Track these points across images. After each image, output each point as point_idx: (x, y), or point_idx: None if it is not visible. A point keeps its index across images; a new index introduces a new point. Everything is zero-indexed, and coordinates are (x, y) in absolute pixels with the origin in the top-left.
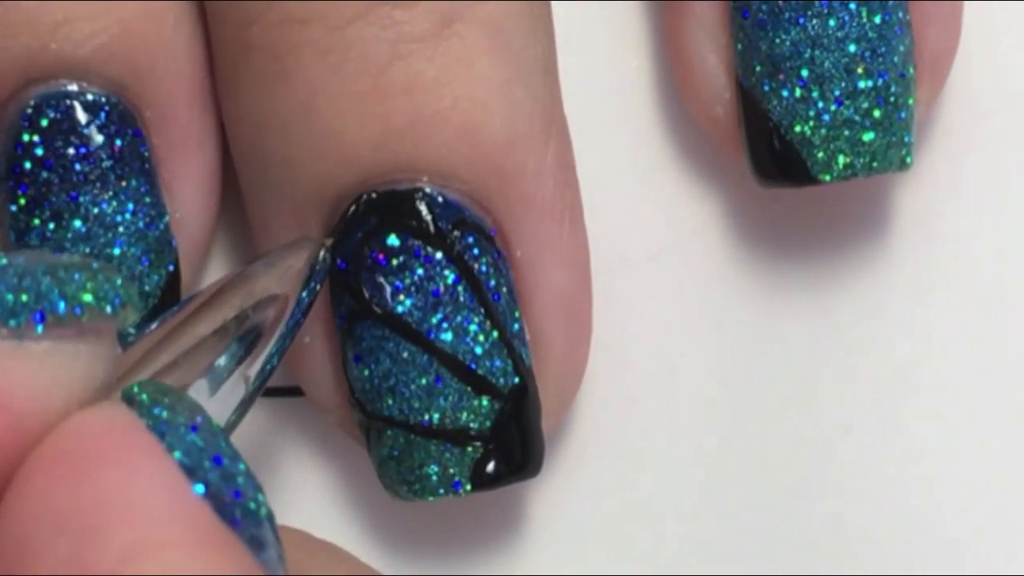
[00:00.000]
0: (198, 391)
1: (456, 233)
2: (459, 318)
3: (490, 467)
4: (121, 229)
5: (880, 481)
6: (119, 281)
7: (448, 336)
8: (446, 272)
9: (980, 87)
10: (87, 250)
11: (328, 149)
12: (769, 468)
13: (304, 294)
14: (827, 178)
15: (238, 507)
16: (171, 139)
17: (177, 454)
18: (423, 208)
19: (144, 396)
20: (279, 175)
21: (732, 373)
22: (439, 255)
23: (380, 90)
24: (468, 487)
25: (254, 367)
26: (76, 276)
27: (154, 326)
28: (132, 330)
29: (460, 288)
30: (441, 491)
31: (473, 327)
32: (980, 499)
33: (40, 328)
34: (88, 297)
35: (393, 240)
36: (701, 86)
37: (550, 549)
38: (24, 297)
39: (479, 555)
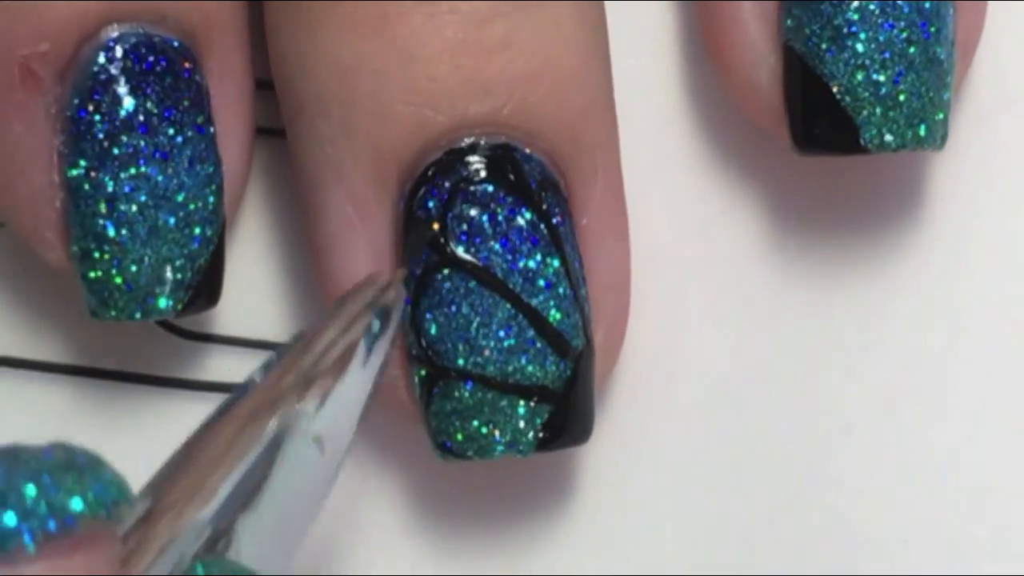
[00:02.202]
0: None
1: (542, 192)
2: (545, 274)
3: (554, 429)
4: (194, 171)
5: (880, 481)
6: (110, 476)
7: (534, 289)
8: (534, 227)
9: (980, 87)
10: (160, 191)
11: (424, 96)
12: (769, 468)
13: (387, 332)
14: (875, 147)
15: None
16: (227, 92)
17: None
18: (514, 163)
19: None
20: (365, 121)
21: (732, 372)
22: (527, 210)
23: (480, 43)
24: (533, 448)
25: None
26: (63, 480)
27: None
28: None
29: (546, 245)
30: (503, 450)
31: (559, 284)
32: (980, 499)
33: (32, 548)
34: (78, 505)
35: (484, 191)
36: (743, 54)
37: (549, 549)
38: (10, 519)
39: (478, 555)
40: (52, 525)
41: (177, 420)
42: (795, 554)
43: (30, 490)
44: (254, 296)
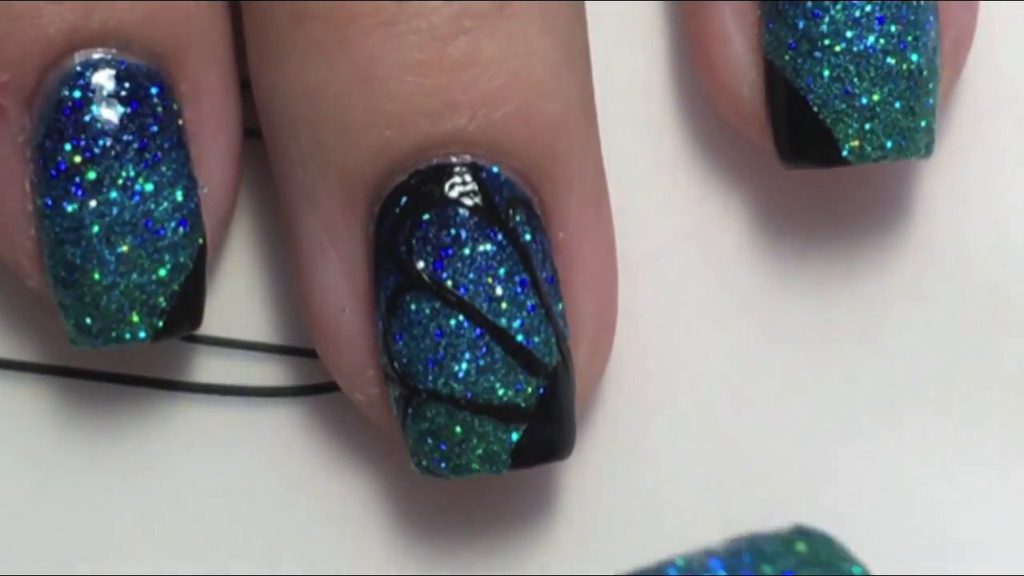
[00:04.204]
0: None
1: (510, 210)
2: (511, 293)
3: (528, 446)
4: (162, 197)
5: (880, 481)
6: None
7: (500, 310)
8: (501, 247)
9: (980, 87)
10: (127, 217)
11: (387, 117)
12: (769, 468)
13: None
14: (856, 159)
15: None
16: (203, 114)
17: None
18: (480, 182)
19: None
20: (331, 144)
21: (732, 372)
22: (494, 230)
23: (443, 62)
24: (508, 465)
25: None
26: None
27: None
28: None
29: (513, 264)
30: (478, 468)
31: (527, 303)
32: (980, 499)
33: None
34: None
35: (449, 212)
36: (727, 67)
37: (549, 549)
38: None
39: (477, 555)
40: None
41: (170, 421)
42: None
43: None
44: (248, 298)
